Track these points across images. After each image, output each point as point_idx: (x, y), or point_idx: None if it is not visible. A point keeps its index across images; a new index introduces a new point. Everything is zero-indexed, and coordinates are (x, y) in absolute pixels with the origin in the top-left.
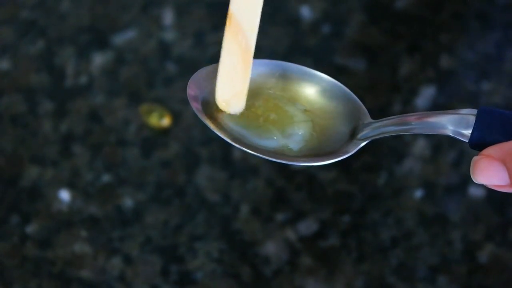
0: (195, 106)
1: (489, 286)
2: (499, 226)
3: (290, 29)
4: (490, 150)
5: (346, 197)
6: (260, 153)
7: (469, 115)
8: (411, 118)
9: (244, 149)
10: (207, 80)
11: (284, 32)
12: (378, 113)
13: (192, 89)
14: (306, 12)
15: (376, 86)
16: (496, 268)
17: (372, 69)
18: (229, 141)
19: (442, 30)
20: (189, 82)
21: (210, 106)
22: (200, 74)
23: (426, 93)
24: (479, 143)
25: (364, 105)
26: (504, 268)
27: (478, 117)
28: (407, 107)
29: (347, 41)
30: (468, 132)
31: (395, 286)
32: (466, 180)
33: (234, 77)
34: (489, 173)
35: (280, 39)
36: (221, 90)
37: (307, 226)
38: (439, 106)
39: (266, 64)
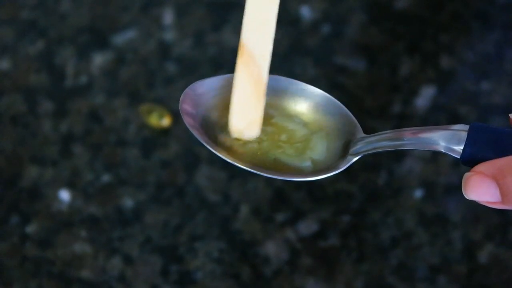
0: (189, 122)
1: (489, 286)
2: (499, 226)
3: (290, 29)
4: (482, 167)
5: (346, 197)
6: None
7: (461, 131)
8: (403, 133)
9: (243, 166)
10: (204, 95)
11: (284, 32)
12: (378, 113)
13: (187, 105)
14: (306, 12)
15: (376, 86)
16: (496, 268)
17: (372, 69)
18: (226, 159)
19: (442, 30)
20: (182, 96)
21: (211, 125)
22: (195, 88)
23: (426, 93)
24: (470, 159)
25: (364, 105)
26: (504, 268)
27: (469, 133)
28: (407, 107)
29: (347, 41)
30: (459, 148)
31: (395, 286)
32: None
33: (248, 107)
34: (480, 190)
35: (280, 39)
36: (235, 120)
37: (307, 226)
38: (439, 106)
39: None
